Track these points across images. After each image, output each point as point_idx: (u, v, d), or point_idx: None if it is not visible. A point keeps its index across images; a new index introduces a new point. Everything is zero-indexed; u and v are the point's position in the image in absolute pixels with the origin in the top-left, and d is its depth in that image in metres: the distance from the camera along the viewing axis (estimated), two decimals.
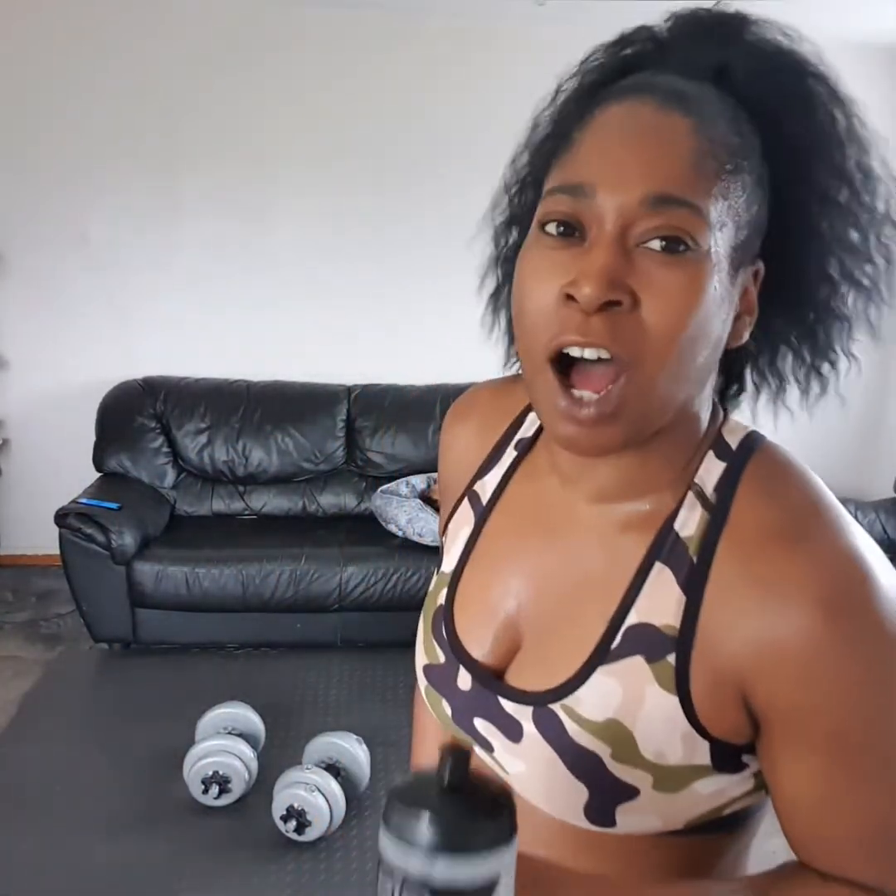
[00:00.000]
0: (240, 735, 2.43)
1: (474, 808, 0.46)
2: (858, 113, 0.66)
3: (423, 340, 3.85)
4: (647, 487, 0.62)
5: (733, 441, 0.62)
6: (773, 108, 0.60)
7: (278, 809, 2.19)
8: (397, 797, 0.47)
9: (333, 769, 2.33)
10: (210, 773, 2.28)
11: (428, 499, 3.42)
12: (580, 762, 0.60)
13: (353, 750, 2.37)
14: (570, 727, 0.60)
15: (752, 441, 0.63)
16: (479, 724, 0.66)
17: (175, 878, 2.09)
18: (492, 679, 0.65)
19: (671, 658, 0.58)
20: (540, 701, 0.62)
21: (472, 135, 3.65)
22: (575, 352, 0.55)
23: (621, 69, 0.63)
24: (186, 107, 3.53)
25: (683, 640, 0.58)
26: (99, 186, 3.56)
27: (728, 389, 0.69)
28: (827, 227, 0.61)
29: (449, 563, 0.72)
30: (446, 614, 0.70)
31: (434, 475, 3.53)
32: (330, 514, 3.61)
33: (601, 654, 0.60)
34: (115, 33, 3.43)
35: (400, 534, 3.22)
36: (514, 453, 0.72)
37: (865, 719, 0.55)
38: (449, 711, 0.69)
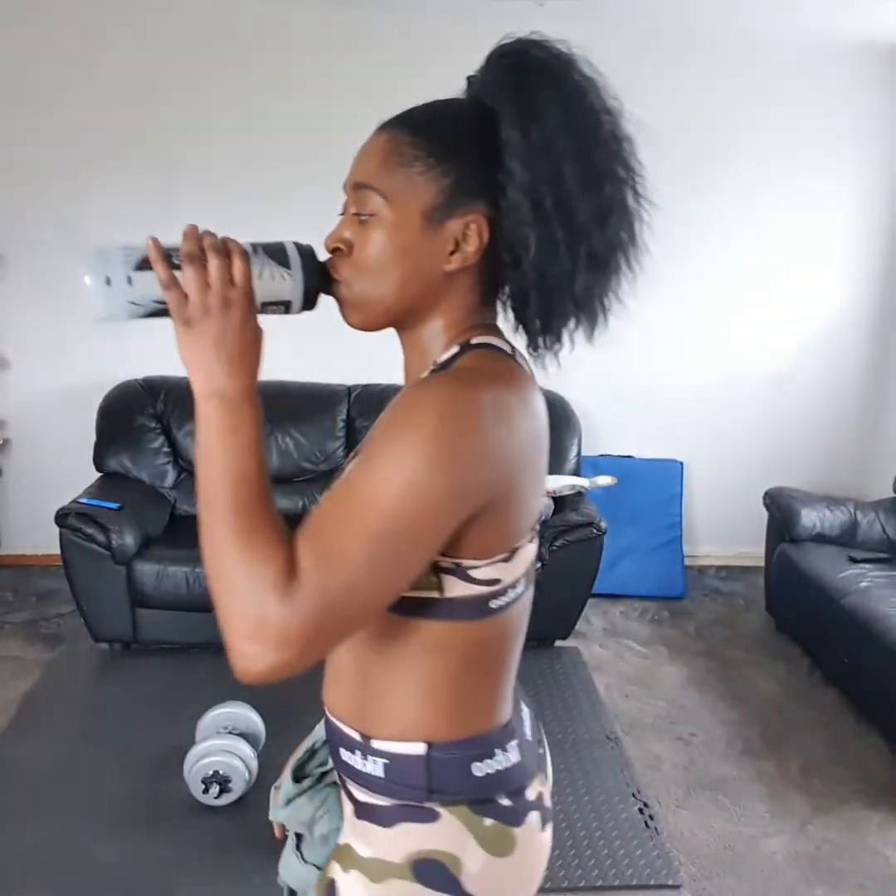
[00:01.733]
0: (240, 734, 2.44)
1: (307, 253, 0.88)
2: (587, 109, 0.88)
3: None
4: (419, 371, 0.90)
5: (476, 340, 0.87)
6: (492, 106, 0.86)
7: None
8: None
9: None
10: (210, 772, 2.29)
11: None
12: None
13: None
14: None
15: (488, 344, 0.87)
16: None
17: (175, 878, 2.09)
18: None
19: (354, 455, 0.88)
20: None
21: None
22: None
23: None
24: (185, 107, 3.53)
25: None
26: (98, 187, 3.56)
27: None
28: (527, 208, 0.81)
29: None
30: None
31: None
32: None
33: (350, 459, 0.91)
34: (113, 33, 3.44)
35: None
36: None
37: (386, 437, 0.75)
38: None
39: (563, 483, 3.45)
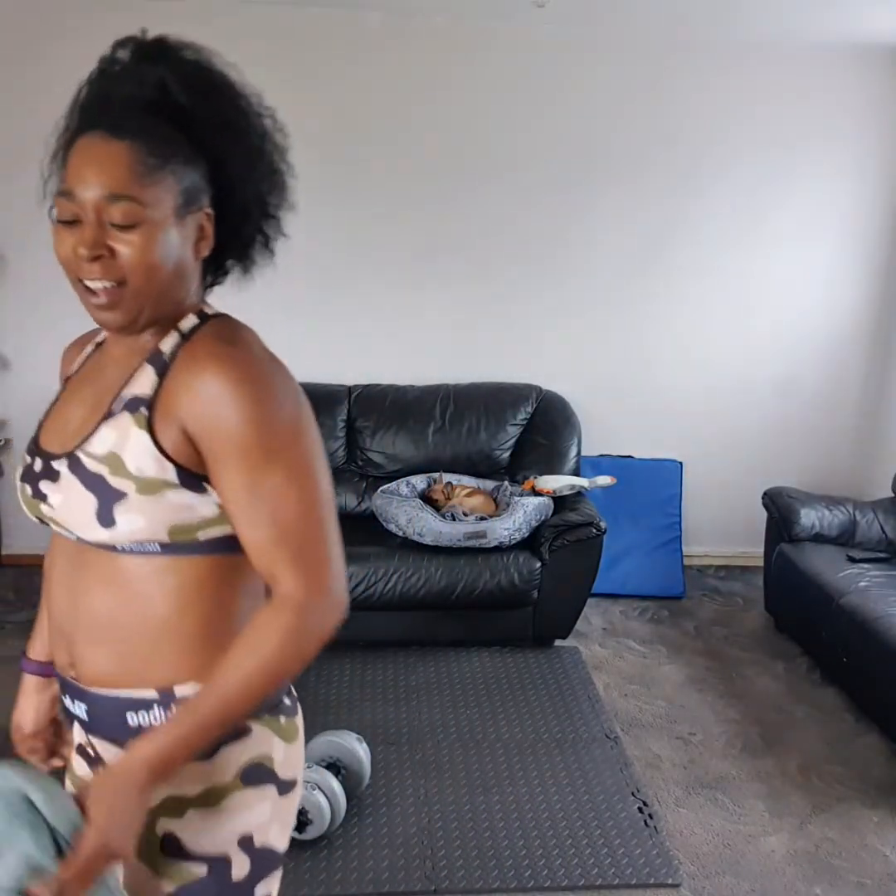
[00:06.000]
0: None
1: None
2: (257, 106, 1.15)
3: (423, 341, 3.86)
4: (143, 337, 1.01)
5: (209, 311, 1.04)
6: (198, 113, 0.99)
7: None
8: None
9: (334, 768, 2.34)
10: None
11: (428, 499, 3.43)
12: (90, 480, 0.94)
13: (354, 748, 2.38)
14: (85, 460, 0.95)
15: (221, 314, 1.04)
16: (42, 485, 0.99)
17: None
18: (48, 454, 1.00)
19: (144, 410, 0.95)
20: (71, 452, 0.97)
21: (472, 135, 3.66)
22: (87, 280, 0.94)
23: (102, 88, 1.02)
24: None
25: (152, 400, 0.95)
26: None
27: (216, 278, 1.11)
28: (244, 186, 1.04)
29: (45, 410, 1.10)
30: (36, 432, 1.06)
31: (434, 475, 3.54)
32: None
33: (105, 417, 0.97)
34: (116, 33, 3.44)
35: (400, 534, 3.23)
36: (91, 349, 1.15)
37: (249, 429, 0.90)
38: (29, 491, 1.01)
39: (563, 483, 3.46)
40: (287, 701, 1.07)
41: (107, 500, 0.93)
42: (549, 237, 3.80)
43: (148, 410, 0.94)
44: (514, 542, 3.19)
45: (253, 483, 0.91)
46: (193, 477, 0.94)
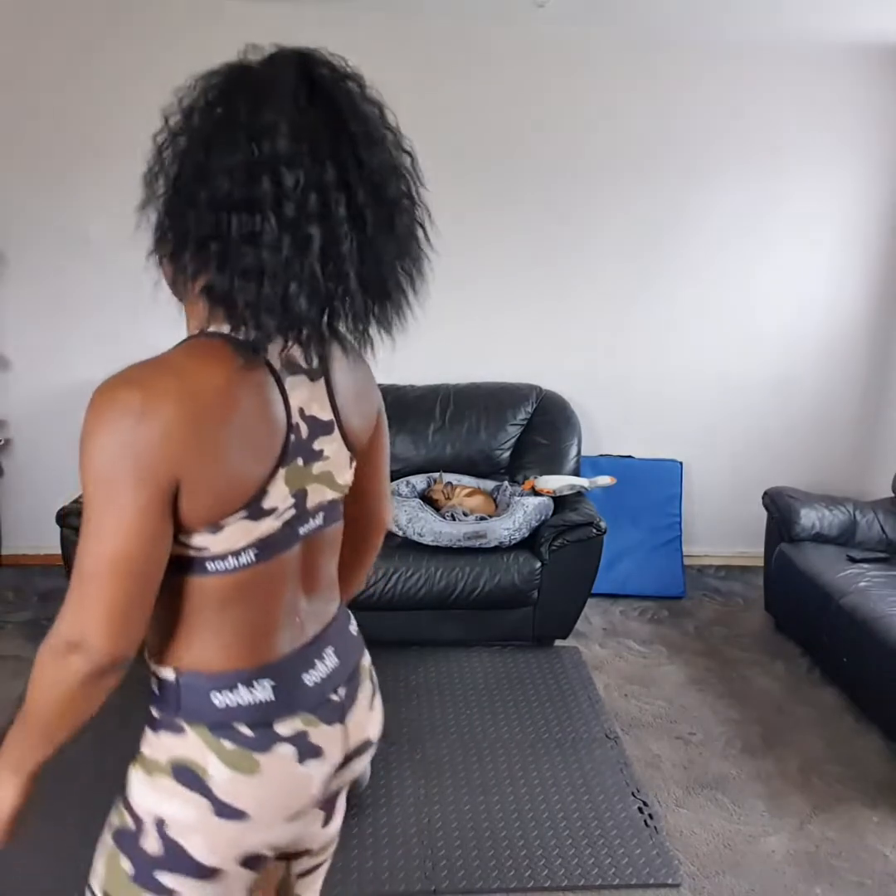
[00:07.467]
0: None
1: None
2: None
3: (422, 340, 3.85)
4: None
5: (192, 338, 1.00)
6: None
7: None
8: None
9: None
10: None
11: (428, 499, 3.43)
12: None
13: None
14: None
15: (213, 333, 0.97)
16: None
17: None
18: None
19: None
20: None
21: (469, 135, 3.66)
22: None
23: None
24: None
25: None
26: (100, 186, 3.56)
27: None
28: None
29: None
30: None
31: (434, 475, 3.54)
32: None
33: None
34: (116, 32, 3.44)
35: (400, 533, 3.23)
36: None
37: (80, 458, 0.93)
38: None
39: (563, 483, 3.46)
40: (245, 731, 1.01)
41: None
42: (548, 237, 3.80)
43: None
44: (514, 542, 3.19)
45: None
46: None
